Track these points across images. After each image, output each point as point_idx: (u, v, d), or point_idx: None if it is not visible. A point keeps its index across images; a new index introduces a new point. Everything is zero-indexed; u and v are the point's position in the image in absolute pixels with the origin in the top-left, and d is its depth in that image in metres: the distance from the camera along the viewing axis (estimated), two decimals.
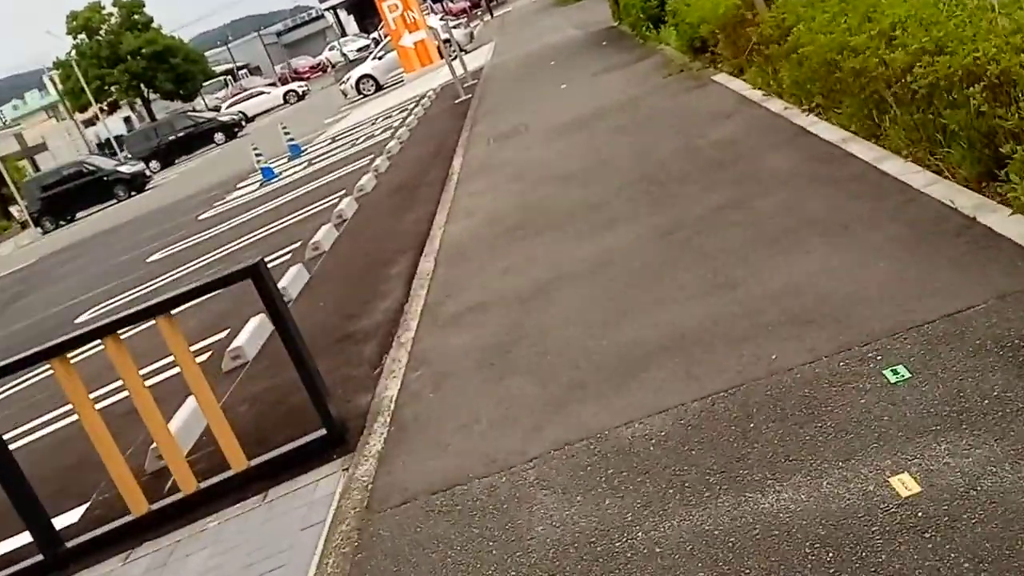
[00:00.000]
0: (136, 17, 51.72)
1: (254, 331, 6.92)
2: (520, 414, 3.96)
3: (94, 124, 60.63)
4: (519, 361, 4.50)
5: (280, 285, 7.81)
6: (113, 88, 53.37)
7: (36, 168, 48.52)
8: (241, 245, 12.47)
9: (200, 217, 18.17)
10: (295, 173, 18.19)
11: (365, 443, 4.34)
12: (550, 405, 3.93)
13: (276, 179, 18.80)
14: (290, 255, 9.83)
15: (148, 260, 15.48)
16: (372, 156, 15.01)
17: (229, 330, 7.54)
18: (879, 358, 3.30)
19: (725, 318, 4.06)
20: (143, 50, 50.60)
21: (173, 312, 4.50)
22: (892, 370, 3.20)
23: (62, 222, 35.03)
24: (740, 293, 4.25)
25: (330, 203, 12.40)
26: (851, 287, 3.90)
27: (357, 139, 19.22)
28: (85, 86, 48.98)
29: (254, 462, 4.53)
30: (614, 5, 18.42)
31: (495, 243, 6.79)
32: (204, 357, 7.12)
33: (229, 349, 6.59)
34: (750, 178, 5.87)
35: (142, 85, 52.49)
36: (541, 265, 5.84)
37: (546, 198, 7.47)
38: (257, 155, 19.70)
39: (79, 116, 58.76)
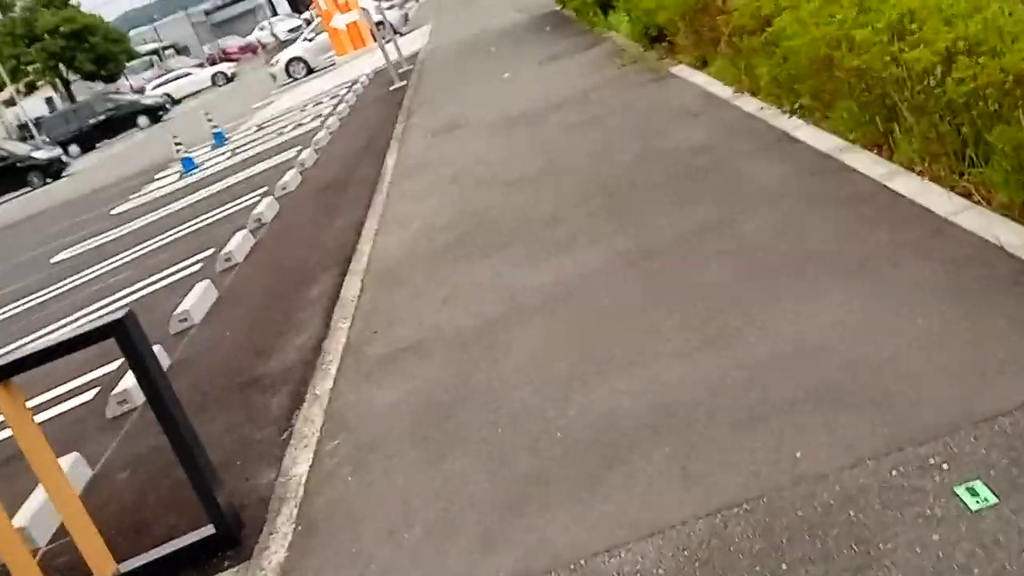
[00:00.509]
0: None
1: None
2: (465, 519, 3.04)
3: (14, 105, 57.54)
4: (463, 433, 3.58)
5: (182, 308, 6.76)
6: (30, 68, 50.48)
7: None
8: (152, 247, 11.28)
9: (114, 211, 16.80)
10: (217, 164, 16.91)
11: (264, 547, 3.37)
12: (504, 507, 3.02)
13: (197, 170, 17.50)
14: (200, 265, 8.73)
15: (52, 261, 14.13)
16: (299, 147, 13.87)
17: (121, 362, 6.43)
18: (945, 467, 2.46)
19: (725, 387, 3.19)
20: (61, 28, 47.82)
21: (17, 378, 3.45)
22: (968, 488, 2.37)
23: None
24: (740, 351, 3.39)
25: (250, 201, 11.28)
26: (885, 351, 3.06)
27: (284, 127, 17.99)
28: None
29: (124, 567, 3.52)
30: None
31: (433, 262, 5.84)
32: (87, 397, 6.05)
33: (114, 393, 5.52)
34: (731, 192, 5.02)
35: (61, 65, 49.72)
36: (488, 294, 4.92)
37: (492, 207, 6.54)
38: (177, 145, 18.33)
39: None
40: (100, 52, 49.53)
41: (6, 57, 47.92)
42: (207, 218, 11.48)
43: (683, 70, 8.42)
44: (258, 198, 11.16)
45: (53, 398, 6.28)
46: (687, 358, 3.47)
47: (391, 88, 16.26)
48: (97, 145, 39.59)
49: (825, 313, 3.43)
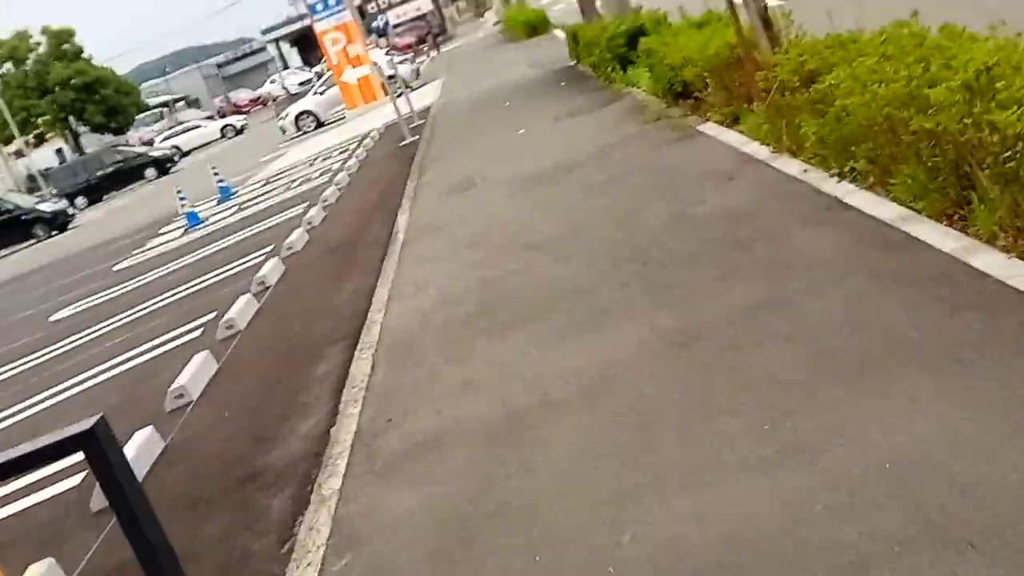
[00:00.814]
0: (66, 46, 49.24)
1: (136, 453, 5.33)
2: None
3: (23, 156, 57.84)
4: (494, 560, 3.04)
5: (179, 382, 6.25)
6: (40, 120, 50.72)
7: None
8: (153, 307, 10.83)
9: (116, 267, 16.41)
10: (222, 220, 16.56)
11: None
12: None
13: (201, 225, 17.16)
14: (201, 331, 8.25)
15: (52, 319, 13.68)
16: (307, 204, 13.49)
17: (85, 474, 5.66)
18: None
19: (815, 516, 2.66)
20: (72, 81, 48.12)
21: None
22: None
23: None
24: (825, 466, 2.86)
25: (255, 260, 10.84)
26: (1010, 473, 2.53)
27: (292, 182, 17.67)
28: (9, 118, 46.28)
29: None
30: (572, 43, 17.27)
31: (451, 337, 5.34)
32: (72, 482, 5.51)
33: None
34: (783, 266, 4.53)
35: (71, 117, 49.96)
36: (514, 378, 4.41)
37: (513, 274, 6.05)
38: (181, 199, 18.00)
39: (6, 148, 55.89)
40: (110, 104, 49.81)
41: (17, 109, 48.15)
42: (210, 278, 11.05)
43: (712, 128, 8.00)
44: (263, 257, 10.74)
45: (34, 482, 5.75)
46: (762, 473, 2.94)
47: (402, 143, 15.94)
48: (104, 197, 39.43)
49: (923, 420, 2.91)
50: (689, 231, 5.55)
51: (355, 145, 19.15)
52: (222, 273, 11.07)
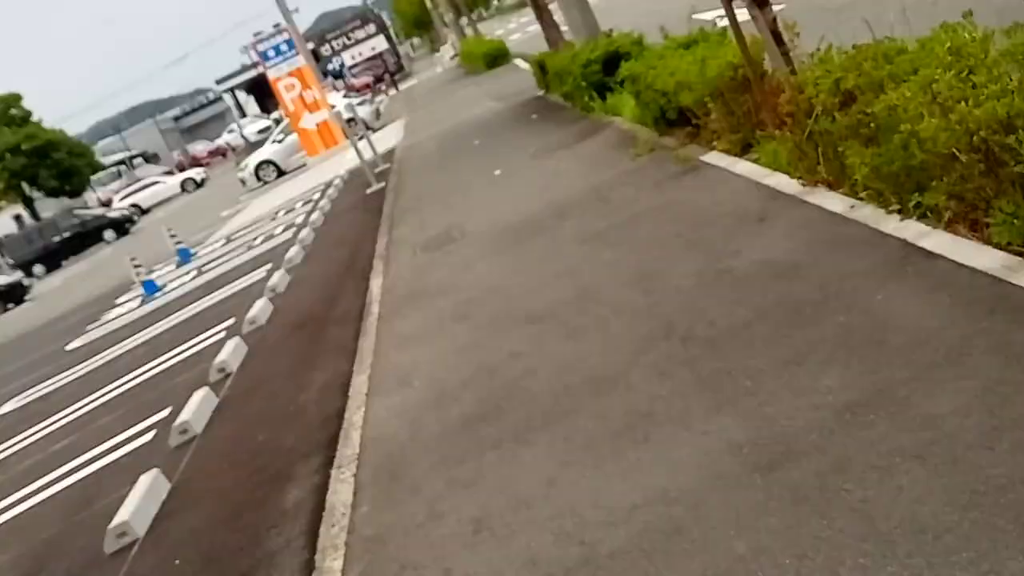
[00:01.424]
0: (13, 112, 47.87)
1: None
2: None
3: None
4: None
5: (122, 516, 5.16)
6: None
7: None
8: (103, 399, 9.68)
9: (68, 347, 15.22)
10: (182, 286, 15.44)
11: None
12: None
13: (160, 293, 16.02)
14: (153, 434, 7.14)
15: None
16: (269, 266, 12.42)
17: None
18: None
19: None
20: (22, 146, 46.70)
21: None
22: None
23: None
24: None
25: (214, 337, 9.75)
26: None
27: (254, 239, 16.60)
28: None
29: None
30: (539, 73, 16.39)
31: (451, 451, 4.28)
32: None
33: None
34: (874, 343, 3.54)
35: (23, 183, 48.44)
36: (542, 519, 3.37)
37: (517, 358, 5.02)
38: (136, 267, 16.83)
39: None
40: (64, 167, 48.41)
41: None
42: (167, 359, 9.92)
43: (719, 158, 7.06)
44: (223, 334, 9.65)
45: None
46: None
47: (368, 191, 14.93)
48: (63, 263, 38.06)
49: None
50: (732, 294, 4.55)
51: (318, 195, 18.14)
52: (180, 353, 9.96)
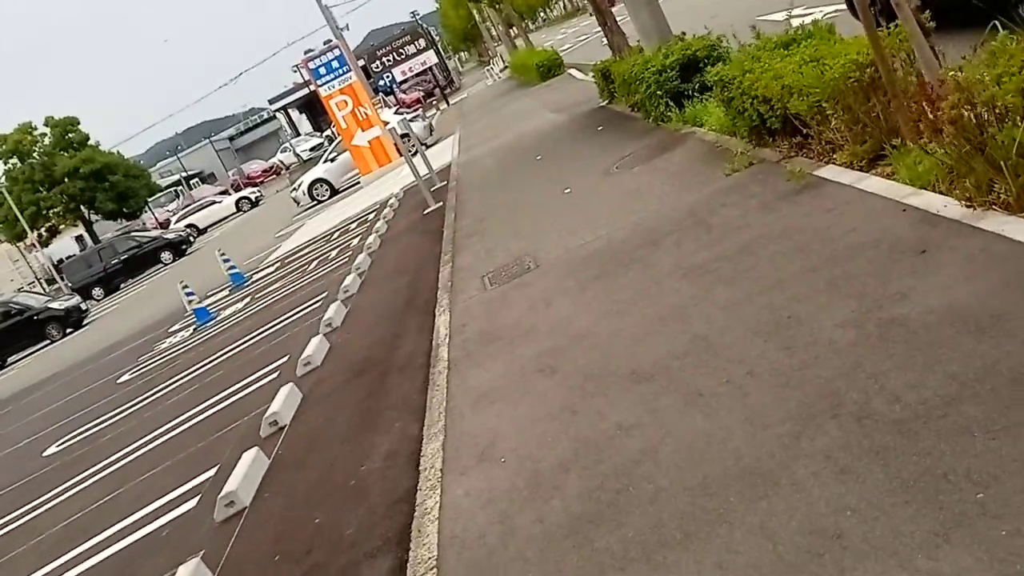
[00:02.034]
0: (71, 136, 48.39)
1: None
2: None
3: (37, 250, 57.01)
4: None
5: None
6: (51, 212, 49.71)
7: None
8: (146, 449, 8.96)
9: (120, 379, 14.68)
10: (235, 314, 14.80)
11: None
12: None
13: (212, 320, 15.42)
14: (197, 499, 6.34)
15: (45, 453, 11.92)
16: (324, 295, 11.65)
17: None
18: None
19: None
20: (80, 170, 47.11)
21: None
22: None
23: None
24: None
25: (267, 378, 8.97)
26: None
27: (309, 264, 15.91)
28: (19, 214, 45.24)
29: None
30: (602, 81, 15.42)
31: (559, 571, 3.33)
32: None
33: None
34: None
35: (82, 207, 48.89)
36: None
37: (628, 432, 4.04)
38: (189, 294, 16.28)
39: (19, 243, 55.03)
40: (120, 190, 48.77)
41: (26, 203, 47.22)
42: (216, 404, 9.17)
43: (838, 173, 6.02)
44: (276, 374, 8.87)
45: None
46: None
47: (425, 212, 14.11)
48: (122, 286, 38.12)
49: None
50: (912, 354, 3.53)
51: (373, 215, 17.40)
52: (230, 396, 9.20)
